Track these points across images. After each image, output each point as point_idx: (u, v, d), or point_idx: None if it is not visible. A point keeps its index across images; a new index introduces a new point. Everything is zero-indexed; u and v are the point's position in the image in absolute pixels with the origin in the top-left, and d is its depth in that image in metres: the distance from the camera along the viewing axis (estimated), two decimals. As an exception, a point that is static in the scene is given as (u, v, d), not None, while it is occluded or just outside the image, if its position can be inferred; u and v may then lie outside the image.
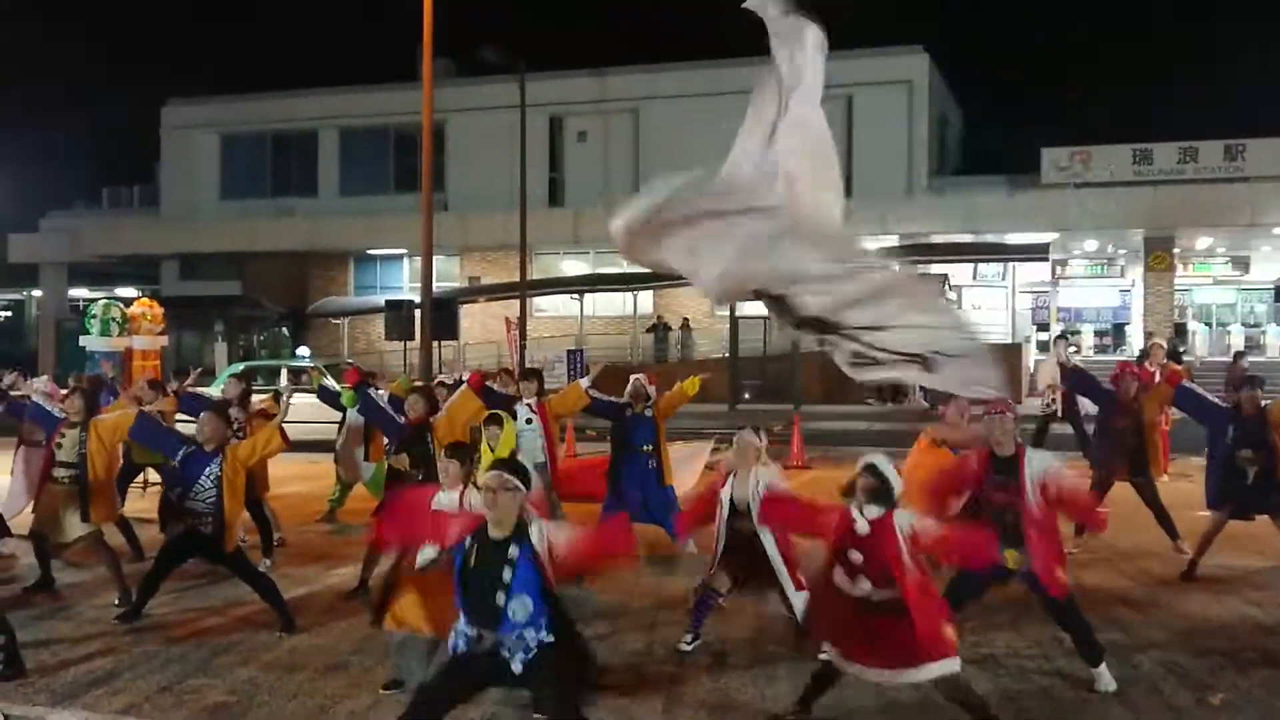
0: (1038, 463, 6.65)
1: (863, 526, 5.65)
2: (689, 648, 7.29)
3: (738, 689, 6.67)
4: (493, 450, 7.88)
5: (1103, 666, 6.65)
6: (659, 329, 35.59)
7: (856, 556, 5.65)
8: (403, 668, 6.50)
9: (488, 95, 35.56)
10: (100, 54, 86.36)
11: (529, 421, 10.26)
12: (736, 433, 7.44)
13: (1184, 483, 13.83)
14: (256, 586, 8.20)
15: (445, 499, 6.21)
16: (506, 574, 4.94)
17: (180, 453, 8.22)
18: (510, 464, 5.27)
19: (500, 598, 4.94)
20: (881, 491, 5.67)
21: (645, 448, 10.51)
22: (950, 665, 5.62)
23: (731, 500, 7.20)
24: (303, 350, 32.17)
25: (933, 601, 5.70)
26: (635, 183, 37.24)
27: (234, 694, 6.64)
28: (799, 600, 6.93)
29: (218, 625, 8.17)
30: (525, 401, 10.49)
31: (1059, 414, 16.39)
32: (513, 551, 4.98)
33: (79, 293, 47.59)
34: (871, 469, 5.73)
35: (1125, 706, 6.37)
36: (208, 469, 8.00)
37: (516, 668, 4.98)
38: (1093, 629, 6.78)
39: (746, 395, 30.81)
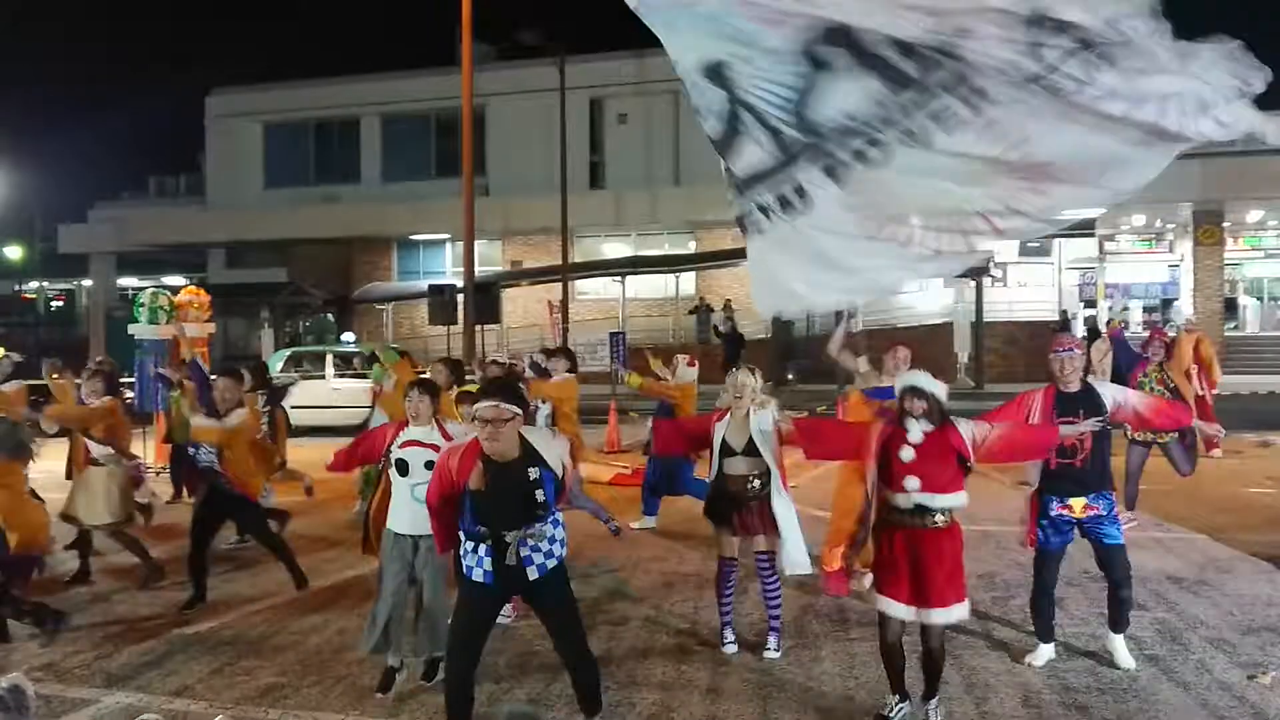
0: (1111, 391, 6.68)
1: (916, 436, 5.63)
2: (732, 646, 7.04)
3: (782, 668, 6.67)
4: None
5: (1120, 640, 6.69)
6: (701, 310, 35.51)
7: (909, 454, 5.61)
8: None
9: (527, 79, 35.55)
10: (145, 46, 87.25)
11: (543, 401, 10.39)
12: (730, 374, 7.12)
13: (1232, 460, 13.67)
14: (269, 545, 8.76)
15: (419, 433, 6.39)
16: (531, 478, 5.11)
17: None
18: (501, 389, 5.24)
19: (526, 498, 5.11)
20: (936, 409, 5.67)
21: None
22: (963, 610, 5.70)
23: (724, 440, 6.90)
24: (348, 336, 32.40)
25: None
26: (676, 164, 37.20)
27: (284, 675, 6.72)
28: (794, 549, 6.78)
29: (268, 608, 8.28)
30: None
31: None
32: (533, 472, 5.13)
33: (128, 282, 48.19)
34: (917, 391, 5.68)
35: (1175, 684, 6.32)
36: None
37: (533, 574, 5.16)
38: (1130, 585, 6.71)
39: (790, 375, 30.73)
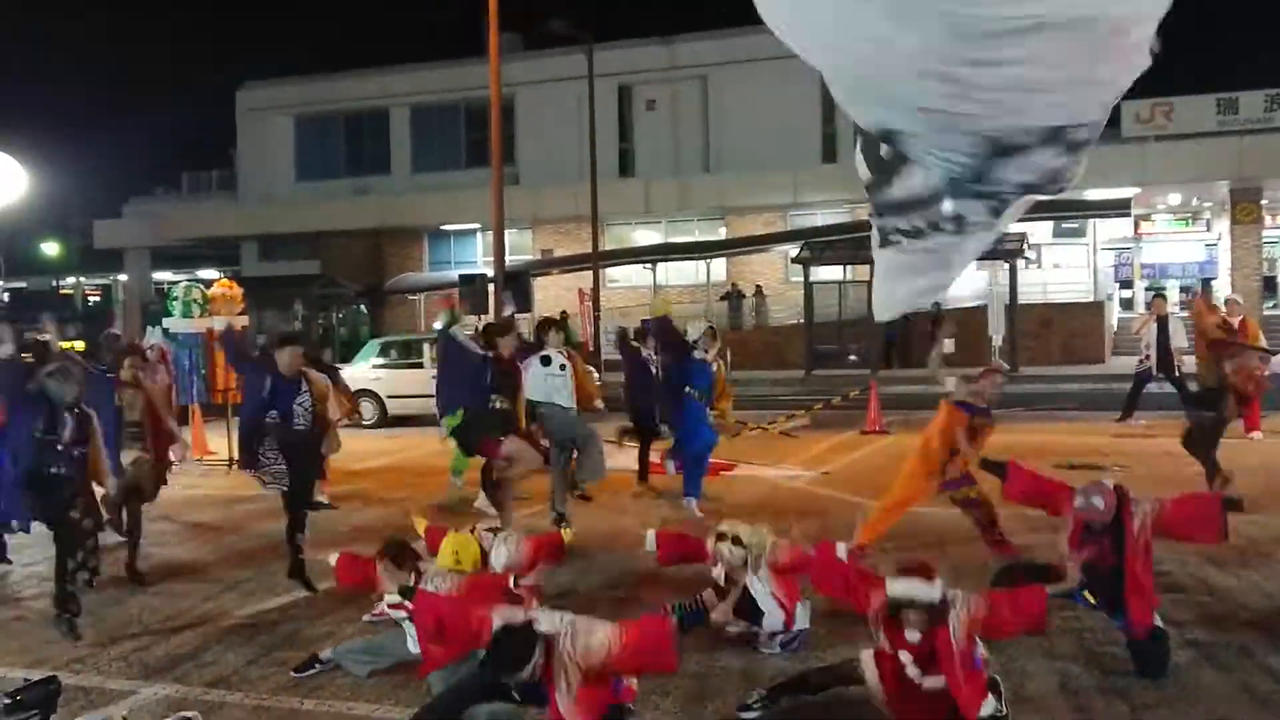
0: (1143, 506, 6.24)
1: (913, 637, 5.34)
2: None
3: (819, 657, 6.63)
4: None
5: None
6: (733, 296, 35.45)
7: (906, 656, 5.36)
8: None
9: (555, 67, 35.53)
10: (176, 42, 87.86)
11: (562, 368, 10.50)
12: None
13: (1272, 440, 13.48)
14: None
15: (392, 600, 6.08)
16: None
17: (267, 380, 8.46)
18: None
19: None
20: (933, 613, 5.32)
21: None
22: None
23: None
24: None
25: (978, 685, 5.33)
26: (705, 150, 37.11)
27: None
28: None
29: (303, 599, 8.30)
30: (556, 350, 10.79)
31: (1154, 371, 16.16)
32: None
33: (162, 276, 48.57)
34: (913, 605, 5.33)
35: (1217, 669, 6.23)
36: (299, 398, 8.45)
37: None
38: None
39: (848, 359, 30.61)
